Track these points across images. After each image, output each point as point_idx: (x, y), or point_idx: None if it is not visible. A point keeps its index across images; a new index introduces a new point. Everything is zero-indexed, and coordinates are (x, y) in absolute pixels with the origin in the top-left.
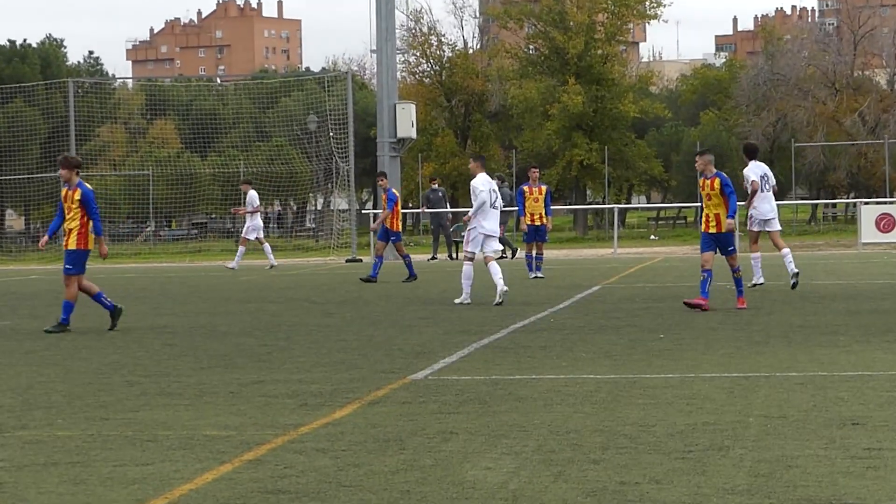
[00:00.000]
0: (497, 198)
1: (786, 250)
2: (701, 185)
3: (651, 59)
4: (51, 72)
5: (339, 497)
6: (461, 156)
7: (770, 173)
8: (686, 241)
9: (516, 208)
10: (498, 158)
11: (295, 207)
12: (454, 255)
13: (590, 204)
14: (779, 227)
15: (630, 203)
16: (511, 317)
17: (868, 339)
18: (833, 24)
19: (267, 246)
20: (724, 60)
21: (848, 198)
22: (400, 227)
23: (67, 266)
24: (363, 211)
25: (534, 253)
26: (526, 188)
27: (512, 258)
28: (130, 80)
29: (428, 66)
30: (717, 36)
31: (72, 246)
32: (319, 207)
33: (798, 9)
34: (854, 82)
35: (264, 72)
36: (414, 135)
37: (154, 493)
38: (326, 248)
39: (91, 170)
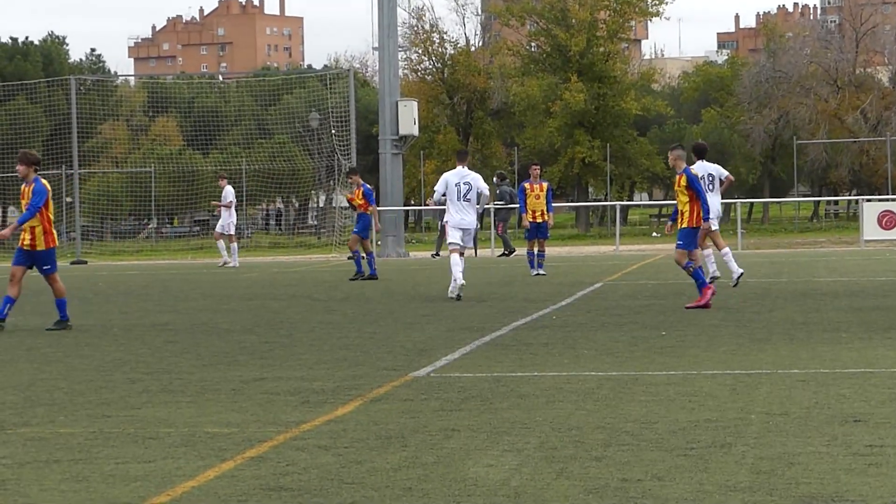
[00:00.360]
0: (468, 190)
1: (726, 249)
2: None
3: (653, 56)
4: (53, 69)
5: (341, 494)
6: None
7: (719, 172)
8: None
9: (518, 206)
10: (500, 156)
11: (297, 205)
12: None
13: (592, 201)
14: (717, 227)
15: (632, 200)
16: (513, 314)
17: (870, 336)
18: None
19: (235, 245)
20: (726, 58)
21: (850, 195)
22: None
23: (46, 267)
24: None
25: (535, 250)
26: (527, 185)
27: (509, 256)
28: (132, 78)
29: (430, 64)
30: (718, 33)
31: (41, 247)
32: (321, 205)
33: (800, 6)
34: (856, 80)
35: (266, 69)
36: (416, 132)
37: (156, 490)
38: (328, 246)
39: (93, 167)
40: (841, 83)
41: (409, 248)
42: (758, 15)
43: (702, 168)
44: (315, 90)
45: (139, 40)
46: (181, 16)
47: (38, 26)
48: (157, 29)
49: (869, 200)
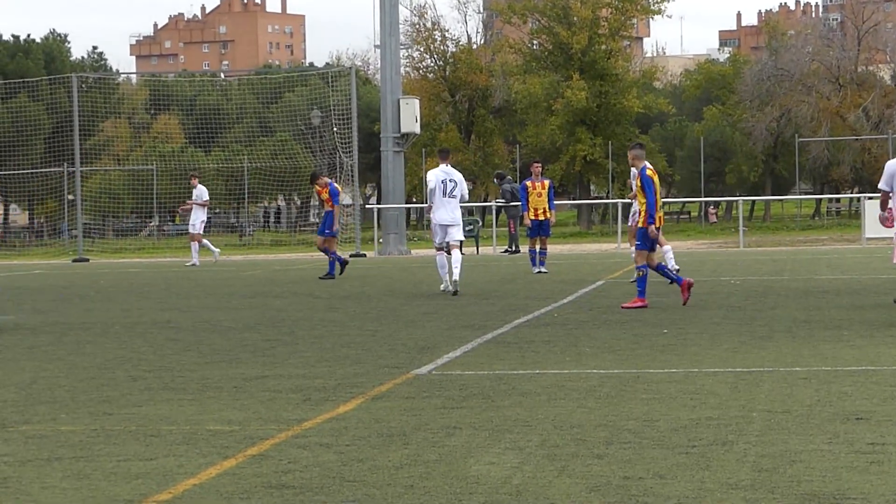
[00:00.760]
0: (454, 187)
1: (667, 247)
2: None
3: (655, 54)
4: (55, 67)
5: (342, 492)
6: (465, 151)
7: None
8: (690, 236)
9: (503, 204)
10: (502, 153)
11: (298, 202)
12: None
13: (593, 199)
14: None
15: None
16: (515, 311)
17: (872, 333)
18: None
19: (196, 245)
20: (727, 56)
21: (851, 193)
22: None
23: None
24: (367, 206)
25: (537, 248)
26: (529, 183)
27: (512, 254)
28: (134, 76)
29: (432, 62)
30: (720, 31)
31: None
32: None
33: (802, 4)
34: (858, 77)
35: (268, 67)
36: (418, 130)
37: (157, 487)
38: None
39: (95, 165)
40: (843, 81)
41: (411, 246)
42: (760, 13)
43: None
44: (317, 88)
45: (141, 38)
46: (183, 13)
47: (40, 24)
48: (159, 27)
49: (871, 198)
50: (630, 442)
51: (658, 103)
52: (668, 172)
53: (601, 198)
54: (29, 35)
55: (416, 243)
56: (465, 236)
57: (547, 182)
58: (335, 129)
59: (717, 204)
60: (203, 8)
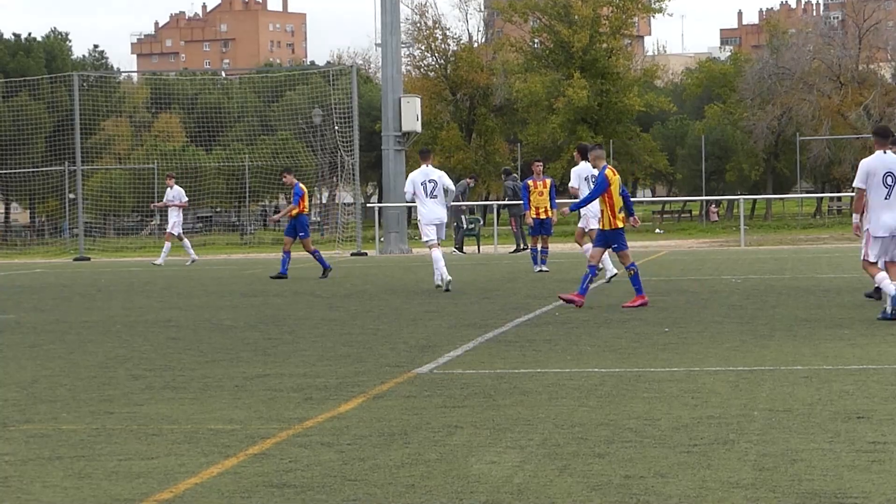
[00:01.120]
0: (434, 187)
1: (587, 245)
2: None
3: (656, 52)
4: (56, 65)
5: (344, 491)
6: (466, 149)
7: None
8: (691, 235)
9: (503, 203)
10: (503, 152)
11: None
12: (460, 248)
13: None
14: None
15: (635, 196)
16: (516, 310)
17: (873, 332)
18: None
19: (169, 245)
20: (728, 54)
21: (853, 191)
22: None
23: None
24: (368, 204)
25: (539, 247)
26: (530, 182)
27: (517, 252)
28: (135, 74)
29: (433, 60)
30: (721, 29)
31: None
32: (324, 201)
33: (803, 2)
34: (859, 76)
35: (269, 65)
36: (419, 128)
37: (159, 486)
38: (331, 242)
39: (96, 163)
40: (844, 79)
41: (412, 245)
42: (761, 11)
43: (589, 168)
44: (318, 86)
45: (142, 37)
46: (184, 12)
47: (41, 23)
48: (160, 25)
49: None
50: (631, 441)
51: (659, 102)
52: (669, 171)
53: None
54: (30, 34)
55: (418, 242)
56: (465, 235)
57: (549, 181)
58: (336, 127)
59: (718, 203)
60: (204, 6)
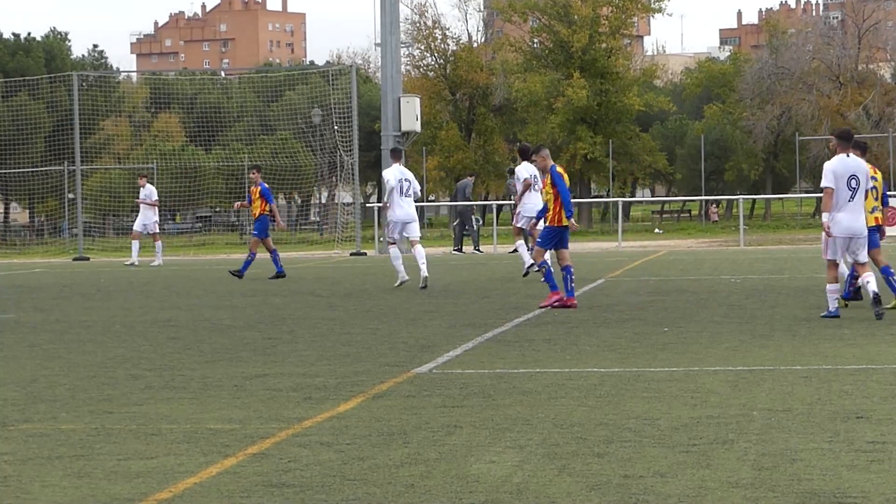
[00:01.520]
0: (409, 186)
1: (520, 241)
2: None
3: (655, 52)
4: (55, 65)
5: (343, 490)
6: (465, 149)
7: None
8: (691, 235)
9: (503, 202)
10: (502, 152)
11: (299, 201)
12: (459, 248)
13: (594, 197)
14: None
15: (634, 196)
16: (515, 310)
17: (872, 332)
18: (837, 17)
19: (137, 244)
20: (728, 54)
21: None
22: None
23: None
24: (367, 204)
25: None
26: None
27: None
28: (135, 74)
29: (432, 60)
30: (721, 29)
31: None
32: (324, 201)
33: (802, 2)
34: (858, 76)
35: (268, 65)
36: (418, 128)
37: (158, 486)
38: (331, 242)
39: (95, 163)
40: (843, 79)
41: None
42: (760, 11)
43: (531, 168)
44: (317, 86)
45: (141, 36)
46: (183, 12)
47: (41, 22)
48: (160, 25)
49: None
50: (630, 440)
51: (658, 101)
52: (668, 171)
53: (602, 196)
54: (29, 33)
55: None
56: (464, 234)
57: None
58: (336, 127)
59: (717, 203)
60: (203, 6)
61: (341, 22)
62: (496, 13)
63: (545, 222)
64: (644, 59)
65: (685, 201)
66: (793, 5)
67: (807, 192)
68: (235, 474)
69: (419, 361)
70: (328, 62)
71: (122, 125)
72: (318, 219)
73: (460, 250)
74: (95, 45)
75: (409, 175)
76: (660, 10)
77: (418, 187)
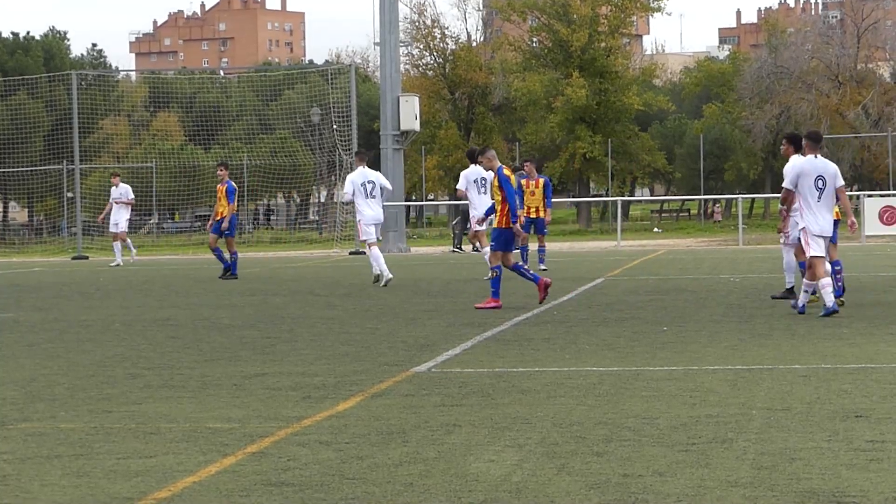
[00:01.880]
0: (373, 188)
1: (486, 248)
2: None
3: (654, 51)
4: (54, 64)
5: (342, 489)
6: (464, 148)
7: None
8: (690, 234)
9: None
10: (501, 151)
11: (298, 200)
12: (459, 247)
13: (593, 196)
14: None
15: (633, 195)
16: (514, 309)
17: (871, 331)
18: (836, 16)
19: (118, 245)
20: (727, 53)
21: (851, 190)
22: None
23: None
24: None
25: (532, 245)
26: (523, 181)
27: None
28: (134, 73)
29: (431, 59)
30: (720, 28)
31: None
32: (323, 200)
33: (801, 1)
34: (857, 75)
35: (268, 64)
36: (417, 127)
37: (157, 485)
38: (330, 241)
39: (94, 162)
40: (842, 78)
41: (411, 244)
42: (759, 10)
43: (478, 171)
44: (316, 85)
45: (140, 35)
46: (182, 11)
47: (40, 21)
48: (159, 24)
49: (870, 196)
50: (629, 439)
51: (658, 101)
52: (667, 170)
53: (601, 195)
54: (28, 32)
55: (416, 241)
56: (464, 233)
57: (542, 180)
58: (335, 126)
59: (718, 202)
60: (203, 5)
61: (340, 21)
62: (495, 12)
63: (495, 224)
64: (643, 58)
65: (684, 200)
66: (792, 4)
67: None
68: (234, 473)
69: (418, 360)
70: (327, 61)
71: (121, 124)
72: (316, 218)
73: (460, 249)
74: (94, 44)
75: (374, 176)
76: (659, 10)
77: (388, 184)
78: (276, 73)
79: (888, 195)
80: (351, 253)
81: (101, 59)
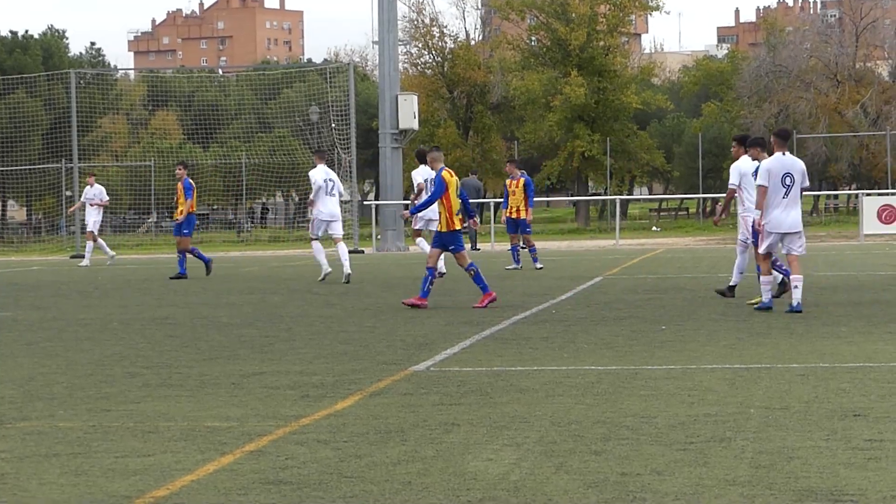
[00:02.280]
0: (333, 186)
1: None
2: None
3: (653, 50)
4: (53, 63)
5: (340, 488)
6: (463, 147)
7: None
8: (688, 233)
9: (501, 200)
10: (500, 150)
11: (297, 198)
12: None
13: (592, 195)
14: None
15: (632, 194)
16: (512, 308)
17: (870, 330)
18: (835, 15)
19: (92, 245)
20: (726, 52)
21: (850, 189)
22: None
23: None
24: (365, 202)
25: (519, 244)
26: (508, 181)
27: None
28: (132, 72)
29: (430, 58)
30: (719, 27)
31: None
32: None
33: (800, 0)
34: (856, 74)
35: (266, 63)
36: (416, 126)
37: (155, 484)
38: (329, 240)
39: (93, 161)
40: (841, 77)
41: (409, 243)
42: (758, 9)
43: (426, 172)
44: (315, 84)
45: (139, 34)
46: (181, 10)
47: (38, 20)
48: (157, 23)
49: (868, 195)
50: (628, 438)
51: (656, 100)
52: (666, 169)
53: (599, 194)
54: (27, 31)
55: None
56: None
57: (523, 180)
58: (333, 125)
59: (719, 201)
60: (201, 4)
61: (339, 20)
62: (494, 11)
63: (439, 228)
64: (642, 57)
65: (683, 199)
66: (790, 3)
67: (804, 190)
68: (233, 472)
69: (416, 359)
70: (326, 60)
71: (120, 123)
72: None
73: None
74: (93, 43)
75: (334, 175)
76: (657, 8)
77: (342, 187)
78: (274, 71)
79: (886, 194)
80: (350, 251)
81: (100, 58)
